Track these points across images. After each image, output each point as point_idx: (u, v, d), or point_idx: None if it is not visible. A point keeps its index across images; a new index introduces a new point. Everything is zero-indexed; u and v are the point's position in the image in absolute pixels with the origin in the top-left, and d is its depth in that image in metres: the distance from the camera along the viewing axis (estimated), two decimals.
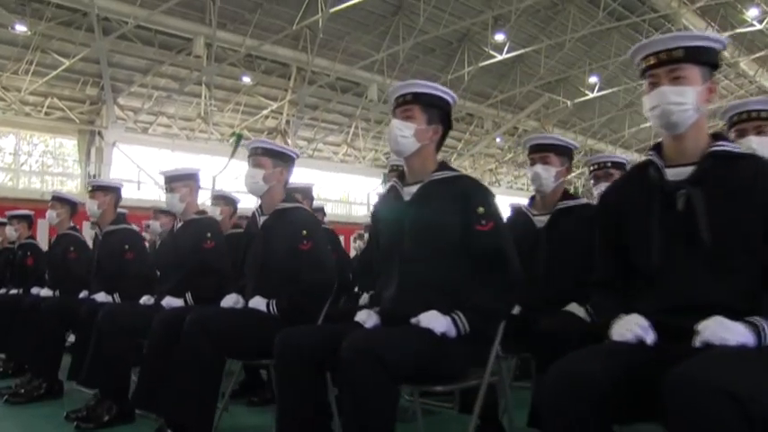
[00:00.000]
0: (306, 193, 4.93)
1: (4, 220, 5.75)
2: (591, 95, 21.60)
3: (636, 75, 13.85)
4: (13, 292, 4.95)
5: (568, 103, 21.95)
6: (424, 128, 2.23)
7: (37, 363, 3.92)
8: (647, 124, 25.77)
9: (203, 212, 3.65)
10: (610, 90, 21.51)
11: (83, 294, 3.99)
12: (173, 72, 16.53)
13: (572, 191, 3.12)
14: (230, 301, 2.96)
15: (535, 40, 18.50)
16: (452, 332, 2.04)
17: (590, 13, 17.52)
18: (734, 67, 21.12)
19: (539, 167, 2.83)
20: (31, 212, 5.41)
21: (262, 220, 3.04)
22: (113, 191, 4.11)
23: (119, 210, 4.17)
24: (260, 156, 2.97)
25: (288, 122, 19.26)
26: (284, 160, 3.02)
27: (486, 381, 2.10)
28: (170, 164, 17.73)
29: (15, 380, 4.14)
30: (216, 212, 4.77)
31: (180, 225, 3.63)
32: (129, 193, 16.92)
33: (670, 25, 18.38)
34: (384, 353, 1.81)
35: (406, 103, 2.23)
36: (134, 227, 4.19)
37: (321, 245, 2.93)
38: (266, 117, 19.11)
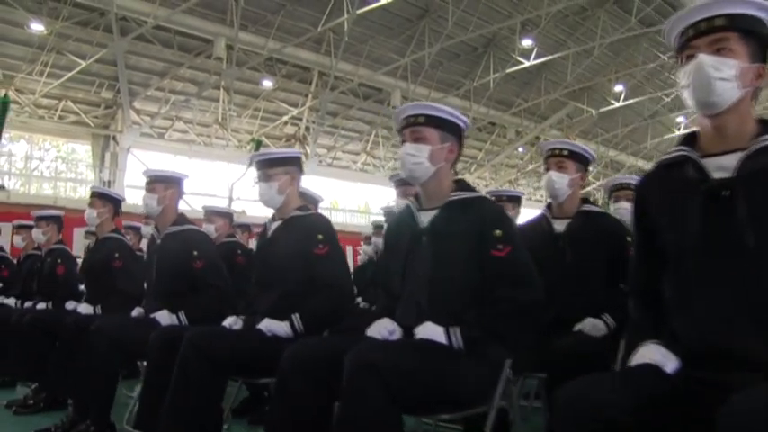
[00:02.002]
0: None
1: (28, 222, 5.15)
2: (616, 105, 21.04)
3: (662, 84, 13.56)
4: (41, 305, 4.31)
5: (593, 112, 21.38)
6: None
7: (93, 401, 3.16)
8: (669, 135, 25.33)
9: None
10: (635, 99, 20.93)
11: (136, 313, 3.35)
12: (191, 75, 15.99)
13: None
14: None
15: (562, 46, 17.97)
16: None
17: (620, 19, 16.99)
18: None
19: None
20: (62, 213, 4.79)
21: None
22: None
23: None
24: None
25: (307, 129, 18.69)
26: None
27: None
28: (187, 170, 17.15)
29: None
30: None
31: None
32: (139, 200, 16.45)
33: None
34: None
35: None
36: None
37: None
38: (285, 123, 18.55)
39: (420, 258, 2.10)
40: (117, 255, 3.69)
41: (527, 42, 17.06)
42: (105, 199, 3.86)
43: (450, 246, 2.04)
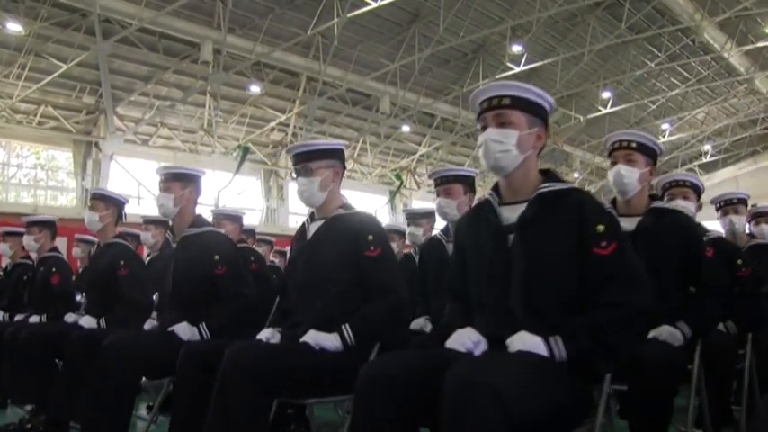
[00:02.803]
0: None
1: (17, 229, 4.76)
2: (604, 111, 21.01)
3: (648, 91, 13.61)
4: (35, 318, 3.92)
5: (581, 118, 21.31)
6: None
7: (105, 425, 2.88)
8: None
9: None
10: (622, 106, 20.93)
11: (149, 325, 3.04)
12: (176, 80, 15.54)
13: None
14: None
15: (551, 52, 17.89)
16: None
17: (610, 25, 16.94)
18: (749, 82, 20.67)
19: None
20: (54, 219, 4.42)
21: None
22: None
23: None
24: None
25: (294, 135, 18.33)
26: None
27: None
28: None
29: None
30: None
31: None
32: (127, 209, 15.97)
33: (687, 40, 17.92)
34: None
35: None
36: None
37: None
38: (272, 130, 18.17)
39: (506, 259, 1.84)
40: (122, 262, 3.39)
41: (517, 48, 16.94)
42: (108, 201, 3.56)
43: (544, 244, 1.81)
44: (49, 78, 13.76)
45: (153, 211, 14.73)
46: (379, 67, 16.41)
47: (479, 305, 1.91)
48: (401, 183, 20.34)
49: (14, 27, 12.08)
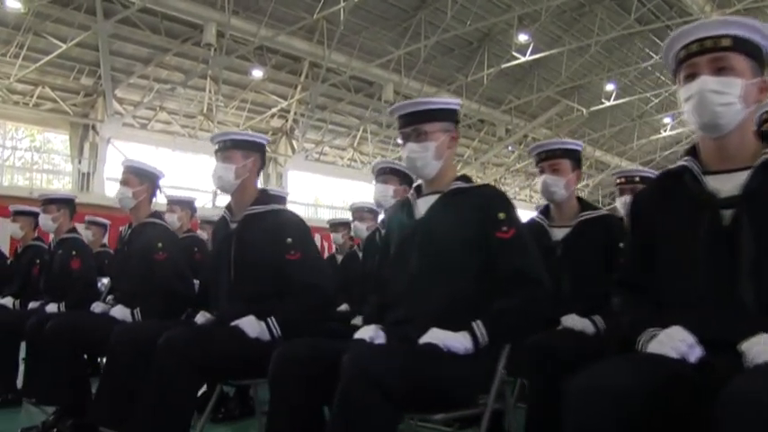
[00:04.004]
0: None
1: (29, 208, 4.48)
2: (607, 104, 20.81)
3: (651, 84, 13.46)
4: (52, 307, 3.61)
5: (584, 110, 21.12)
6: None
7: None
8: (655, 136, 25.28)
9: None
10: (625, 99, 20.74)
11: (202, 318, 2.76)
12: (176, 63, 15.18)
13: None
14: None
15: (557, 42, 17.65)
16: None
17: (618, 16, 16.71)
18: None
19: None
20: (74, 196, 4.13)
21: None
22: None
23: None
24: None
25: (295, 122, 18.02)
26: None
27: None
28: (170, 163, 16.41)
29: None
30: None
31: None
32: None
33: None
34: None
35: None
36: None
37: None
38: (273, 116, 17.85)
39: (727, 241, 1.57)
40: (160, 245, 3.00)
41: (523, 37, 16.70)
42: (142, 175, 3.18)
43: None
44: (47, 58, 13.39)
45: None
46: (384, 54, 16.11)
47: (683, 300, 1.53)
48: None
49: (14, 4, 11.69)
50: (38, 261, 4.24)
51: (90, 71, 14.54)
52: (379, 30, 15.85)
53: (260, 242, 2.47)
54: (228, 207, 2.70)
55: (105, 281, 3.97)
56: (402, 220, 2.15)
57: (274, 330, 2.34)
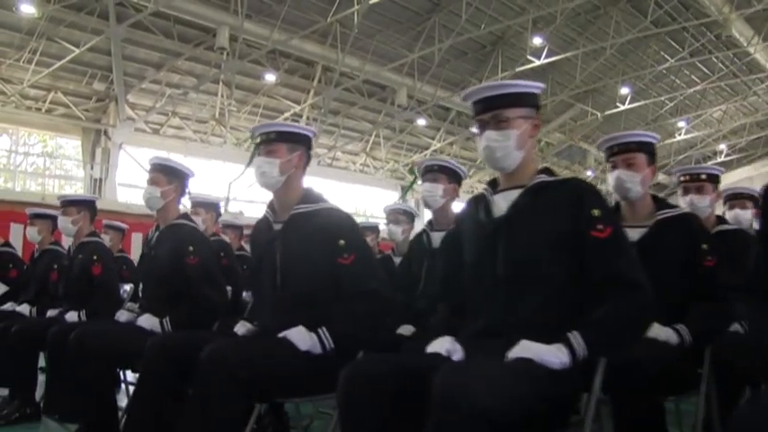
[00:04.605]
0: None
1: (46, 211, 4.34)
2: (622, 108, 20.58)
3: (666, 88, 13.30)
4: (72, 315, 3.42)
5: (598, 114, 20.89)
6: None
7: None
8: (669, 141, 25.00)
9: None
10: (640, 102, 20.52)
11: (243, 329, 2.53)
12: (188, 68, 15.07)
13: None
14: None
15: (571, 45, 17.46)
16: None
17: (634, 18, 16.50)
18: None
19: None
20: (96, 197, 3.97)
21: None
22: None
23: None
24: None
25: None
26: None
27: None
28: None
29: None
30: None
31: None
32: (137, 199, 15.57)
33: (712, 35, 17.49)
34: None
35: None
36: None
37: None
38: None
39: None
40: (191, 248, 2.80)
41: (537, 40, 16.52)
42: (171, 174, 2.99)
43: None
44: (59, 63, 13.30)
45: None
46: (397, 58, 15.97)
47: None
48: (415, 178, 19.91)
49: (28, 9, 11.62)
50: (56, 266, 4.09)
51: (102, 76, 14.45)
52: (393, 33, 15.72)
53: (309, 245, 2.25)
54: (271, 207, 2.47)
55: (127, 287, 3.80)
56: (478, 218, 1.91)
57: (326, 342, 2.12)
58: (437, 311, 2.02)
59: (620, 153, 2.50)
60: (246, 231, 4.78)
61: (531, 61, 17.12)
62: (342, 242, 2.23)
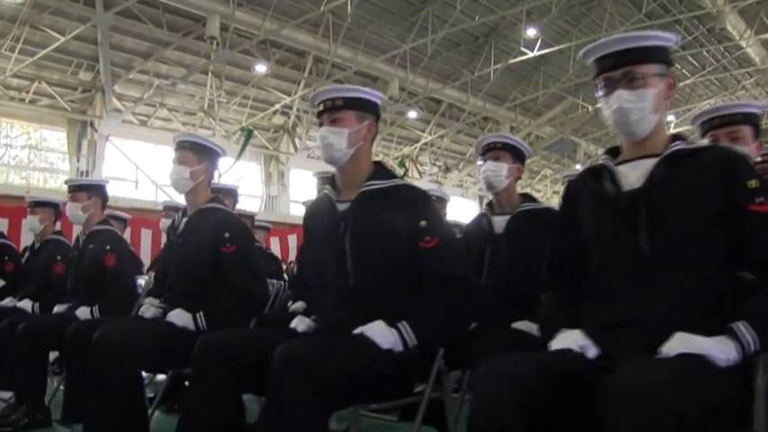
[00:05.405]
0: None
1: (48, 198, 4.05)
2: None
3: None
4: (83, 311, 3.13)
5: (589, 108, 20.79)
6: None
7: None
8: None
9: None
10: None
11: (303, 326, 2.24)
12: (177, 58, 14.71)
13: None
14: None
15: (564, 38, 17.32)
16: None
17: (627, 11, 16.40)
18: (763, 73, 20.33)
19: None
20: (107, 181, 3.67)
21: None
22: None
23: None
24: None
25: (298, 119, 17.57)
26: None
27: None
28: (169, 162, 15.92)
29: None
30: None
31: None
32: (124, 193, 15.19)
33: (704, 28, 17.46)
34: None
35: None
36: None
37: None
38: (275, 113, 17.40)
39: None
40: (227, 234, 2.50)
41: (531, 32, 16.36)
42: (201, 153, 2.68)
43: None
44: (44, 52, 12.87)
45: (149, 195, 14.02)
46: (389, 49, 15.73)
47: None
48: (405, 171, 19.69)
49: None
50: (59, 258, 3.77)
51: (88, 66, 14.07)
52: (385, 24, 15.48)
53: (385, 227, 1.96)
54: (332, 183, 2.16)
55: (141, 281, 3.50)
56: (602, 192, 1.63)
57: (407, 338, 1.84)
58: (542, 302, 1.76)
59: (723, 126, 2.26)
60: None
61: (525, 53, 16.95)
62: (423, 223, 1.94)
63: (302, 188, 19.12)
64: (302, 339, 1.81)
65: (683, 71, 20.18)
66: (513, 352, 1.40)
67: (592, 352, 1.45)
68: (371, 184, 2.05)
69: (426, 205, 2.03)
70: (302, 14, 13.82)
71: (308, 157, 18.89)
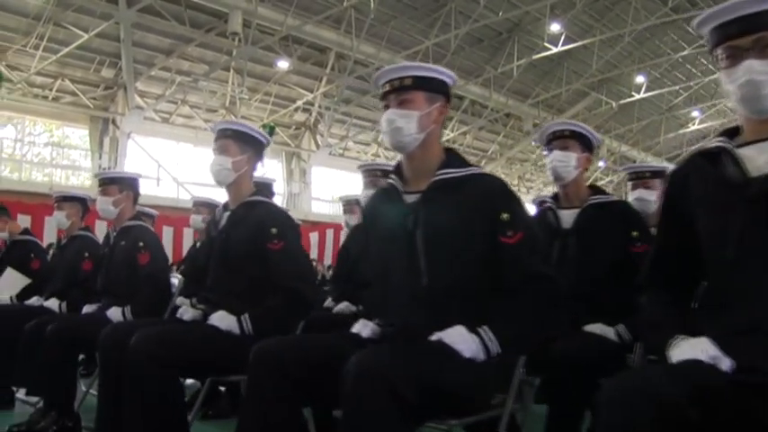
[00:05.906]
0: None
1: (75, 193, 3.95)
2: (637, 96, 20.18)
3: (681, 77, 12.87)
4: (114, 313, 2.98)
5: (613, 104, 20.49)
6: None
7: None
8: (683, 130, 24.60)
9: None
10: (657, 91, 20.12)
11: (367, 332, 2.02)
12: (199, 54, 14.66)
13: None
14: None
15: (587, 33, 17.04)
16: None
17: (651, 4, 16.06)
18: None
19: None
20: (138, 175, 3.53)
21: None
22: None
23: None
24: None
25: (320, 115, 17.46)
26: None
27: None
28: (191, 159, 15.92)
29: None
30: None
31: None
32: (145, 190, 15.11)
33: None
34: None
35: None
36: None
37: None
38: (296, 110, 17.30)
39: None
40: (274, 230, 2.34)
41: (555, 27, 16.11)
42: (244, 142, 2.50)
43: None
44: (67, 49, 12.92)
45: (171, 193, 13.90)
46: (412, 45, 15.57)
47: None
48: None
49: None
50: (87, 254, 3.66)
51: (111, 63, 14.08)
52: (408, 20, 15.32)
53: (462, 220, 1.75)
54: (397, 173, 1.92)
55: (175, 281, 3.37)
56: (726, 178, 1.40)
57: (490, 345, 1.62)
58: (644, 304, 1.57)
59: None
60: None
61: (548, 48, 16.70)
62: (505, 216, 1.73)
63: (324, 185, 19.02)
64: (379, 349, 1.59)
65: (709, 66, 19.79)
66: (649, 366, 1.30)
67: (726, 364, 1.25)
68: (444, 173, 1.82)
69: (508, 196, 1.80)
70: (325, 10, 13.74)
71: (330, 154, 18.80)
